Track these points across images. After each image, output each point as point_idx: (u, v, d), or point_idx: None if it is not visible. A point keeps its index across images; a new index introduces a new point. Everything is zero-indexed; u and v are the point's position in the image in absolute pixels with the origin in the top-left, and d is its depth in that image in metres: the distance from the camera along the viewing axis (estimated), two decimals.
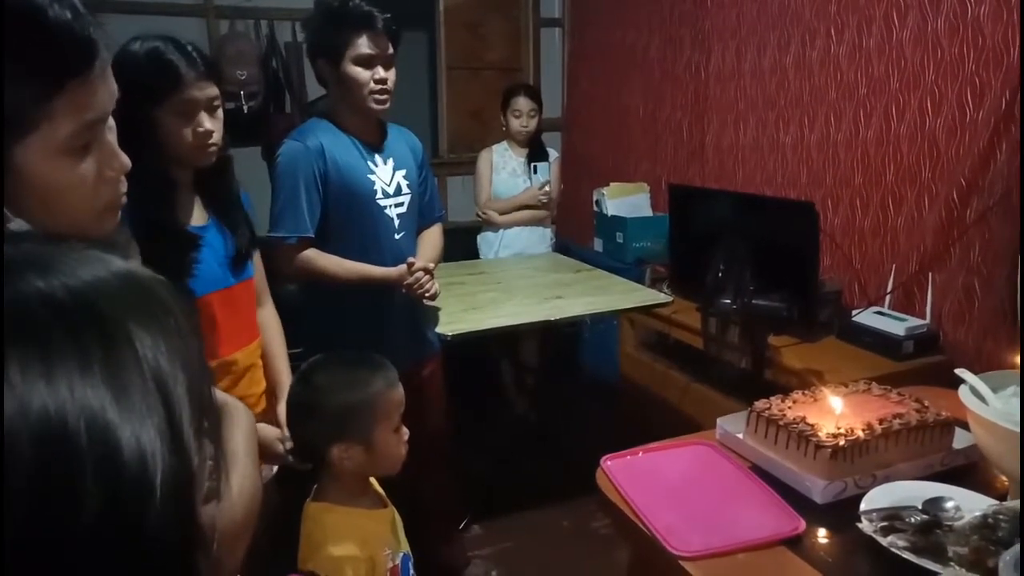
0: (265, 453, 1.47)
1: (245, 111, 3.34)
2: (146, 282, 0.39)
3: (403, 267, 1.89)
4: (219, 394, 1.00)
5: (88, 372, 0.32)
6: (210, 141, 1.38)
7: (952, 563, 0.97)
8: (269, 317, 1.68)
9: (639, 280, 2.91)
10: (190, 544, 0.35)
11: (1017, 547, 0.86)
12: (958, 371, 1.25)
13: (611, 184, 3.52)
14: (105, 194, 0.68)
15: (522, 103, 3.17)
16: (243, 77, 3.35)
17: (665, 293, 2.60)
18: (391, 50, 1.85)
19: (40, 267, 0.35)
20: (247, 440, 0.88)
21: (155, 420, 0.33)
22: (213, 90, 1.37)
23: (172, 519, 0.33)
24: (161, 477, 0.33)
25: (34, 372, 0.31)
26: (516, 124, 3.19)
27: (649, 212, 3.45)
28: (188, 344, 0.38)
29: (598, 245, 3.55)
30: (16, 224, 0.61)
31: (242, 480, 0.81)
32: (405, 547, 1.37)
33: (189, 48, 1.35)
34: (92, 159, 0.65)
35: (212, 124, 1.37)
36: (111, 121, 0.67)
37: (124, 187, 0.71)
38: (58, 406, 0.31)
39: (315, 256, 1.86)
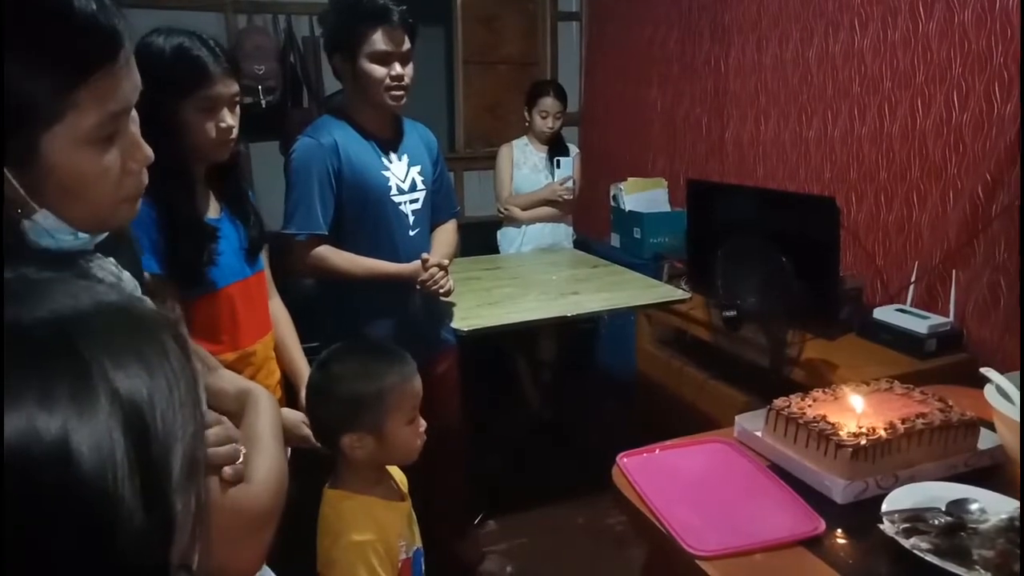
0: (291, 436, 1.49)
1: (263, 105, 3.36)
2: (138, 318, 0.37)
3: (417, 263, 1.88)
4: (243, 381, 1.00)
5: (53, 405, 0.31)
6: (231, 136, 1.40)
7: (977, 567, 0.95)
8: (278, 308, 1.70)
9: (656, 276, 2.89)
10: None
11: None
12: (984, 370, 1.23)
13: (628, 179, 3.49)
14: (127, 185, 0.68)
15: (550, 104, 3.15)
16: (261, 72, 3.36)
17: (683, 289, 2.57)
18: (408, 45, 1.82)
19: (20, 297, 0.34)
20: (272, 425, 0.88)
21: (123, 458, 0.32)
22: (235, 86, 1.39)
23: (140, 563, 0.32)
24: (126, 518, 0.31)
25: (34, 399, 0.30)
26: (542, 124, 3.17)
27: (667, 208, 3.42)
28: (180, 383, 0.36)
29: (615, 240, 3.53)
30: (41, 215, 0.61)
31: (269, 463, 0.81)
32: (418, 542, 1.38)
33: (212, 43, 1.37)
34: (116, 150, 0.66)
35: (233, 120, 1.39)
36: (134, 113, 0.68)
37: (146, 179, 0.71)
38: (19, 435, 0.29)
39: (328, 253, 1.86)
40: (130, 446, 0.32)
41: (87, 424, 0.31)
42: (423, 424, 1.32)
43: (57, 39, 0.58)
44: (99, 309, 0.35)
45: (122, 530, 0.31)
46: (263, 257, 1.60)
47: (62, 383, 0.31)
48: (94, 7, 0.59)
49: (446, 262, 1.94)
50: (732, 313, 1.98)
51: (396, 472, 1.41)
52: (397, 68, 1.81)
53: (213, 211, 1.48)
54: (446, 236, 2.09)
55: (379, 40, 1.78)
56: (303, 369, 1.64)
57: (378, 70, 1.79)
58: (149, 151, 0.70)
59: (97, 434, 0.31)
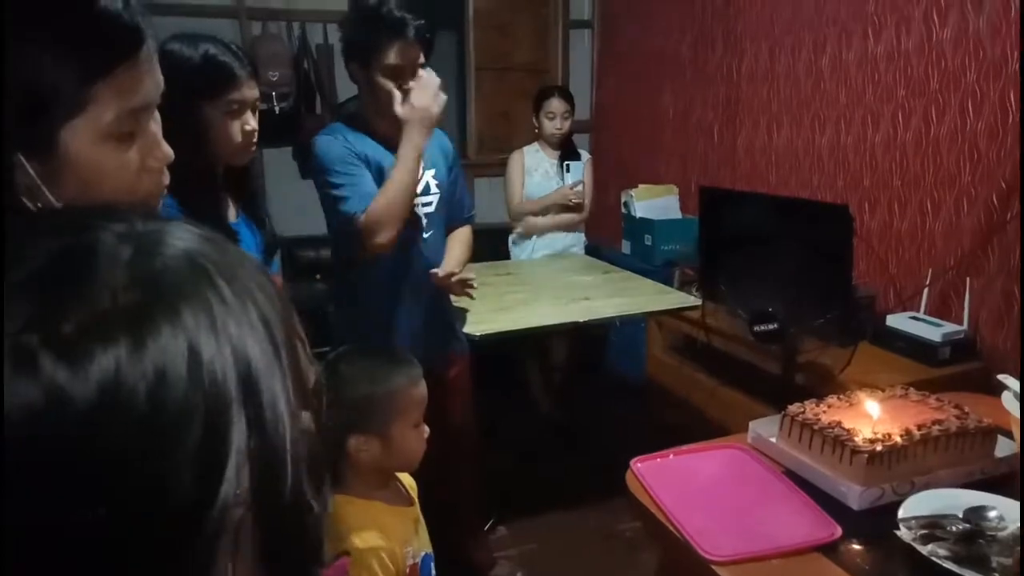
0: None
1: (276, 112, 3.37)
2: (242, 256, 0.40)
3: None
4: None
5: (252, 328, 0.34)
6: (254, 139, 1.41)
7: (996, 574, 0.95)
8: None
9: (667, 283, 2.89)
10: (312, 513, 0.36)
11: None
12: (1001, 377, 1.22)
13: (640, 186, 3.49)
14: (146, 184, 0.69)
15: (556, 105, 3.15)
16: (275, 78, 3.38)
17: (694, 296, 2.57)
18: (422, 59, 1.83)
19: (154, 242, 0.35)
20: None
21: (235, 385, 0.33)
22: (257, 90, 1.41)
23: (301, 490, 0.34)
24: (292, 448, 0.34)
25: (204, 325, 0.32)
26: (550, 126, 3.17)
27: (678, 215, 3.42)
28: (271, 320, 0.38)
29: (626, 247, 3.53)
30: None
31: None
32: (427, 547, 1.37)
33: (235, 48, 1.39)
34: (136, 148, 0.66)
35: (255, 123, 1.41)
36: (156, 113, 0.68)
37: (167, 179, 0.72)
38: (222, 356, 0.32)
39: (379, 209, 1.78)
40: (240, 374, 0.34)
41: (210, 345, 0.33)
42: (427, 431, 1.32)
43: (82, 31, 0.59)
44: (216, 248, 0.37)
45: (235, 453, 0.32)
46: (277, 260, 1.61)
47: (197, 310, 0.33)
48: (119, 3, 0.61)
49: (457, 270, 1.94)
50: (771, 327, 1.94)
51: (405, 476, 1.41)
52: (410, 84, 1.81)
53: (231, 215, 1.49)
54: (460, 241, 2.09)
55: (393, 55, 1.77)
56: None
57: (390, 84, 1.80)
58: (169, 150, 0.70)
59: (218, 357, 0.33)
